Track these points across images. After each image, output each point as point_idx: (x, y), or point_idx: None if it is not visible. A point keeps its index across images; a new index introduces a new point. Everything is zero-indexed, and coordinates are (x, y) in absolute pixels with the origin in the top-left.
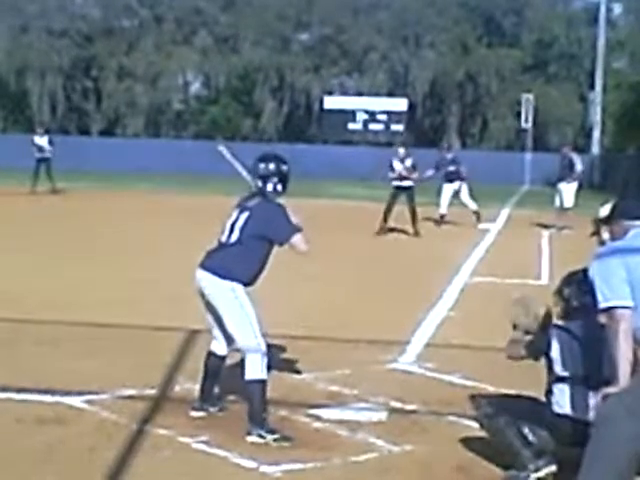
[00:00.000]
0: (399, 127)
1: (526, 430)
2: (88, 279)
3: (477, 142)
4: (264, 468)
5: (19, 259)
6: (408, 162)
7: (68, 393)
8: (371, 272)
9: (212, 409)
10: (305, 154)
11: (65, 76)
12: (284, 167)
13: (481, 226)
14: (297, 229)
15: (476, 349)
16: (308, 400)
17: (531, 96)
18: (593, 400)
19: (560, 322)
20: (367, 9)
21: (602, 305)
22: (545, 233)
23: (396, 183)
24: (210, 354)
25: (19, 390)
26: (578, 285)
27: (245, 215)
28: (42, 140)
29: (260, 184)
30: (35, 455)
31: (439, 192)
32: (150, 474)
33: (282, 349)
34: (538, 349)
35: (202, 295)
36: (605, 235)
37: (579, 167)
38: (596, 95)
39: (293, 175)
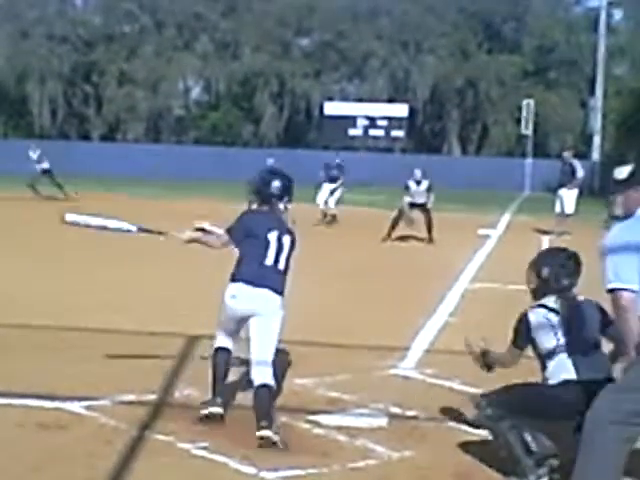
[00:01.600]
0: (399, 133)
1: (528, 438)
2: (88, 284)
3: (477, 148)
4: (264, 474)
5: (18, 263)
6: (424, 185)
7: (68, 398)
8: (371, 278)
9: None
10: (305, 160)
11: (65, 81)
12: (292, 184)
13: (481, 232)
14: None
15: None
16: (308, 406)
17: (531, 102)
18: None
19: (533, 303)
20: (367, 15)
21: (608, 285)
22: (545, 239)
23: (412, 201)
24: (220, 349)
25: (19, 395)
26: (560, 267)
27: (288, 241)
28: (35, 155)
29: (272, 202)
30: (35, 460)
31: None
32: None
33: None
34: (522, 340)
35: (243, 313)
36: (618, 206)
37: (580, 173)
38: (596, 101)
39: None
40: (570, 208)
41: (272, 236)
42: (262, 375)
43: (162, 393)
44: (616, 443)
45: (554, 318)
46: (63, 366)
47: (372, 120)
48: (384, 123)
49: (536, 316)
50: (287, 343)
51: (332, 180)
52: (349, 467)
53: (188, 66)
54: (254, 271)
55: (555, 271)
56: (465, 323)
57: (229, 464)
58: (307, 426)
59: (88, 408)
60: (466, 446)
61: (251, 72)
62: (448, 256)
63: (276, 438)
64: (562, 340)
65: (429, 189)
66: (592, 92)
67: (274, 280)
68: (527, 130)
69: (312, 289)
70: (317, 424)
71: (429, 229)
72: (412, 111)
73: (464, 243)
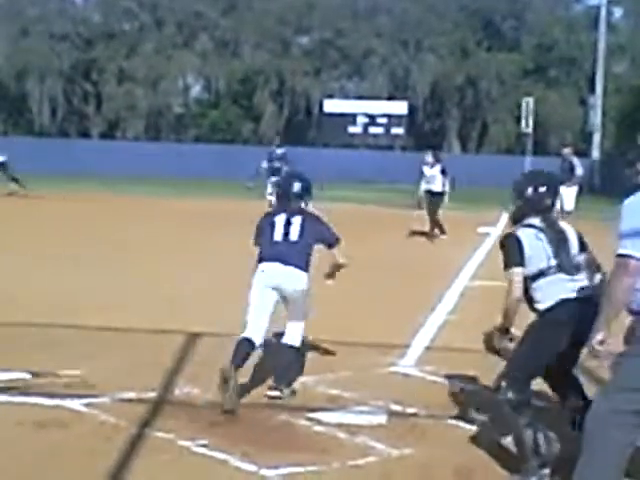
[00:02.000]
0: (399, 130)
1: (540, 439)
2: (88, 281)
3: (477, 146)
4: (264, 471)
5: (18, 261)
6: (437, 167)
7: (68, 396)
8: (371, 275)
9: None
10: (305, 157)
11: (65, 79)
12: (311, 185)
13: (481, 230)
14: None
15: (476, 353)
16: (308, 403)
17: (531, 100)
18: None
19: (516, 225)
20: (367, 13)
21: (621, 250)
22: None
23: (427, 187)
24: (246, 339)
25: (19, 394)
26: (545, 187)
27: (299, 218)
28: None
29: (294, 200)
30: (35, 458)
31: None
32: (150, 477)
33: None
34: (516, 258)
35: (272, 287)
36: None
37: (579, 171)
38: (596, 99)
39: None
40: (569, 205)
41: (279, 218)
42: (291, 338)
43: (162, 390)
44: (617, 445)
45: (544, 237)
46: (63, 364)
47: (372, 118)
48: (384, 121)
49: (527, 235)
50: None
51: (275, 173)
52: (349, 464)
53: (188, 64)
54: (270, 249)
55: (539, 191)
56: (465, 321)
57: (229, 461)
58: (307, 423)
59: (88, 406)
60: (466, 443)
61: (251, 70)
62: (448, 254)
63: (275, 394)
64: (553, 260)
65: (443, 171)
66: (592, 90)
67: (291, 255)
68: (527, 128)
69: (312, 288)
70: (317, 421)
71: (431, 226)
72: (412, 109)
73: (464, 241)
